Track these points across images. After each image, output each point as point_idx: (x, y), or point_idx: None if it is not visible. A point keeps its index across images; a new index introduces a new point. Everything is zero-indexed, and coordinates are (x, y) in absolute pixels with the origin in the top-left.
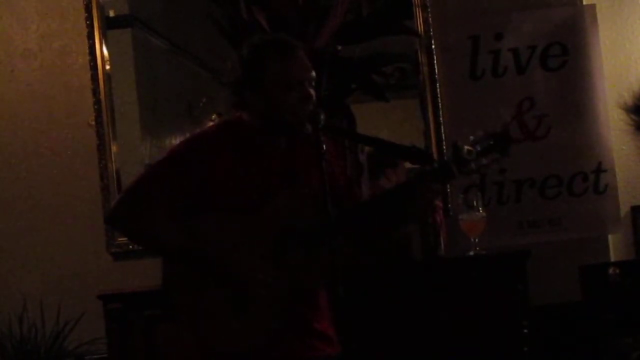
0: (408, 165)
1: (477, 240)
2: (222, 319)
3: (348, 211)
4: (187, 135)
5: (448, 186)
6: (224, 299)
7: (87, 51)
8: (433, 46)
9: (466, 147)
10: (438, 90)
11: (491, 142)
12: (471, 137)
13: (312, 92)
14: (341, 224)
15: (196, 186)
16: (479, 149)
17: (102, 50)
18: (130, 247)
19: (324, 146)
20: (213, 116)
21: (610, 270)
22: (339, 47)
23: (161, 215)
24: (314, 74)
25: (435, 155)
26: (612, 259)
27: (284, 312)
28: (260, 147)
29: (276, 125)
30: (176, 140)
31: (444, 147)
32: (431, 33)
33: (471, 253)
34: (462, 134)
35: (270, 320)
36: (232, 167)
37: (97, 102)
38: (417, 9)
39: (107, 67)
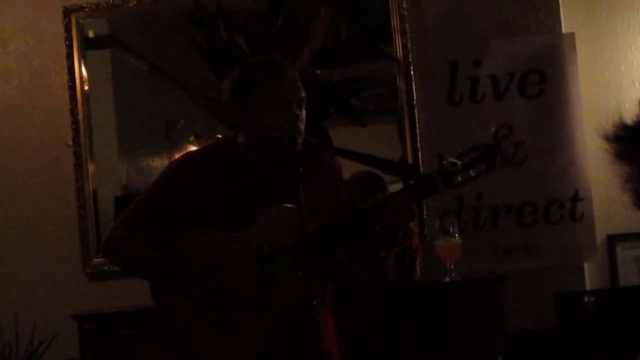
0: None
1: (452, 265)
2: (213, 337)
3: (329, 227)
4: (165, 155)
5: (424, 211)
6: (214, 317)
7: (66, 71)
8: (412, 71)
9: (450, 160)
10: (416, 115)
11: (478, 154)
12: (459, 149)
13: (300, 113)
14: (321, 239)
15: (186, 209)
16: (465, 160)
17: (81, 71)
18: (106, 267)
19: (314, 167)
20: (191, 138)
21: (586, 299)
22: (318, 71)
23: (153, 243)
24: (303, 94)
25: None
26: (588, 287)
27: (272, 329)
28: (250, 168)
29: (265, 146)
30: (154, 162)
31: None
32: (410, 58)
33: (447, 279)
34: (439, 159)
35: (259, 337)
36: (220, 188)
37: (75, 122)
38: (396, 34)
39: (86, 87)
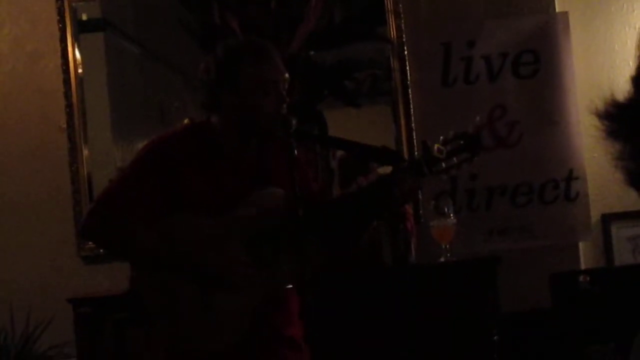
0: (380, 170)
1: (447, 247)
2: (195, 319)
3: (320, 208)
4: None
5: (419, 192)
6: (196, 299)
7: (59, 55)
8: (405, 53)
9: (436, 146)
10: (410, 96)
11: (461, 142)
12: (441, 137)
13: (286, 93)
14: (312, 222)
15: (166, 191)
16: (449, 148)
17: (75, 54)
18: (101, 251)
19: (298, 152)
20: (185, 121)
21: (581, 278)
22: (312, 53)
23: (133, 223)
24: (287, 75)
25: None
26: (583, 266)
27: (253, 312)
28: (229, 150)
29: (248, 127)
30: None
31: (416, 153)
32: (404, 40)
33: (442, 260)
34: (433, 140)
35: (240, 319)
36: (201, 170)
37: (69, 105)
38: (390, 15)
39: (79, 70)
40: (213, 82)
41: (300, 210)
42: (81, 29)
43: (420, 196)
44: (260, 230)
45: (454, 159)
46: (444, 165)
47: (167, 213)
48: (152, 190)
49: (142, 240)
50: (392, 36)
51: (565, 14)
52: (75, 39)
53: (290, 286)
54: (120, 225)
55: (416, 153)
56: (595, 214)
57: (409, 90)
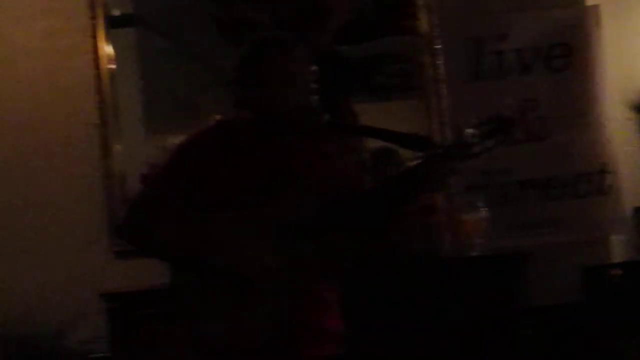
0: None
1: (479, 240)
2: (227, 316)
3: (352, 200)
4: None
5: (452, 182)
6: (228, 296)
7: (92, 50)
8: (437, 47)
9: (470, 131)
10: (441, 90)
11: (495, 125)
12: (474, 120)
13: (314, 86)
14: (343, 215)
15: (197, 190)
16: (482, 131)
17: (107, 49)
18: None
19: (329, 145)
20: (217, 116)
21: (613, 272)
22: (342, 47)
23: (171, 223)
24: (314, 68)
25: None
26: (615, 260)
27: (288, 307)
28: (260, 145)
29: (277, 122)
30: (179, 141)
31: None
32: (435, 34)
33: (473, 253)
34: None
35: (276, 315)
36: (232, 168)
37: (101, 101)
38: (421, 9)
39: (112, 66)
40: (239, 79)
41: (330, 204)
42: (113, 24)
43: (452, 189)
44: (289, 225)
45: (487, 142)
46: (477, 149)
47: (199, 212)
48: (185, 191)
49: (175, 241)
50: (423, 30)
51: (596, 7)
52: (107, 35)
53: (321, 281)
54: (154, 227)
55: None
56: (628, 207)
57: (441, 84)
